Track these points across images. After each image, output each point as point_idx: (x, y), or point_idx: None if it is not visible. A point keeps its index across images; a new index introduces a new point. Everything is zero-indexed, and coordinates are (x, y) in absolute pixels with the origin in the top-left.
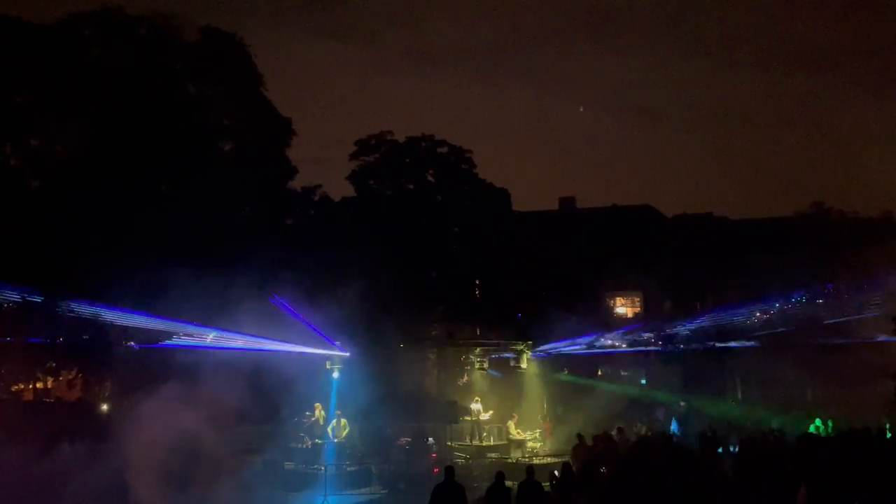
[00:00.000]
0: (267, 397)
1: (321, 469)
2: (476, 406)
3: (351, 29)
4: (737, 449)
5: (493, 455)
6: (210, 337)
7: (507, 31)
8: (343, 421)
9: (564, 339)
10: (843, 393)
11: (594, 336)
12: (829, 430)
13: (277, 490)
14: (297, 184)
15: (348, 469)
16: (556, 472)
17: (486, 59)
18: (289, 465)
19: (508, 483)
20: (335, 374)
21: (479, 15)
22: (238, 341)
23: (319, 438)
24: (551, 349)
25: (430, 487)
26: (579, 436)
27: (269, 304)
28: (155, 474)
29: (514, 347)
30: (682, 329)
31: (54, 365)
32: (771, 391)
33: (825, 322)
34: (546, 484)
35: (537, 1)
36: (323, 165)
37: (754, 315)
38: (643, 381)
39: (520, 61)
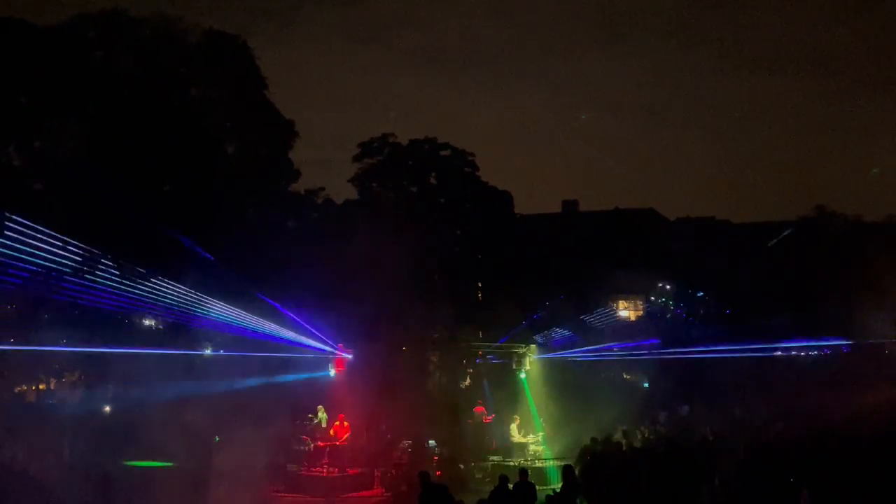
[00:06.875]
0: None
1: (323, 472)
2: (478, 409)
3: (357, 29)
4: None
5: (494, 458)
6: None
7: (513, 34)
8: (346, 424)
9: (566, 342)
10: None
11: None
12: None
13: (279, 492)
14: (299, 186)
15: (350, 472)
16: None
17: (491, 62)
18: (291, 468)
19: (511, 486)
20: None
21: (486, 18)
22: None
23: (322, 441)
24: (553, 353)
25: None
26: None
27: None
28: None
29: (516, 350)
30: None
31: (56, 366)
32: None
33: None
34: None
35: (545, 5)
36: (326, 167)
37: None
38: (646, 385)
39: (524, 64)
